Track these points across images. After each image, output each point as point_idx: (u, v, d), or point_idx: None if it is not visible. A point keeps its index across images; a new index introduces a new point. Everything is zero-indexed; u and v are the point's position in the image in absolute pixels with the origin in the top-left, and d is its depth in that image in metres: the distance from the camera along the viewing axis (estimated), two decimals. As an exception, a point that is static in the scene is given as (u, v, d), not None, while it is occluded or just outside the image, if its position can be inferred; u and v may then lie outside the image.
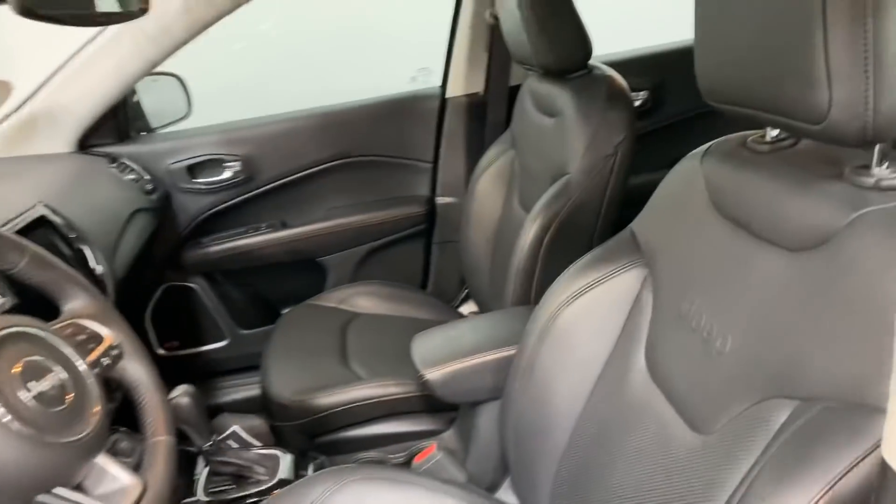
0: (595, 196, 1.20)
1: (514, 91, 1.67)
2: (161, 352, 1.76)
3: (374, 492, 0.99)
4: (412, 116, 1.78)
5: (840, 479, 0.50)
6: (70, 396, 0.66)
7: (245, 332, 1.80)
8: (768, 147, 0.73)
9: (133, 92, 1.71)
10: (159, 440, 0.77)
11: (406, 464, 1.21)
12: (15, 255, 0.74)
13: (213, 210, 1.71)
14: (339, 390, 1.27)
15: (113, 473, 0.68)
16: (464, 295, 1.85)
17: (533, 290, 1.21)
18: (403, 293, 1.70)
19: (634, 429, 0.81)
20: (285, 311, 1.82)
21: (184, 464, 1.11)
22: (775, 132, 0.73)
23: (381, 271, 1.82)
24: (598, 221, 1.21)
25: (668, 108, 1.83)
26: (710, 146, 0.82)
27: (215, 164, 1.68)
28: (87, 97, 1.51)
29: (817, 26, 0.53)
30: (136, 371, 0.81)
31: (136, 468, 0.72)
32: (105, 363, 0.76)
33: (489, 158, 1.57)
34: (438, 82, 1.79)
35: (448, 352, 1.08)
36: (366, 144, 1.78)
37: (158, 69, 1.69)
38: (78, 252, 1.15)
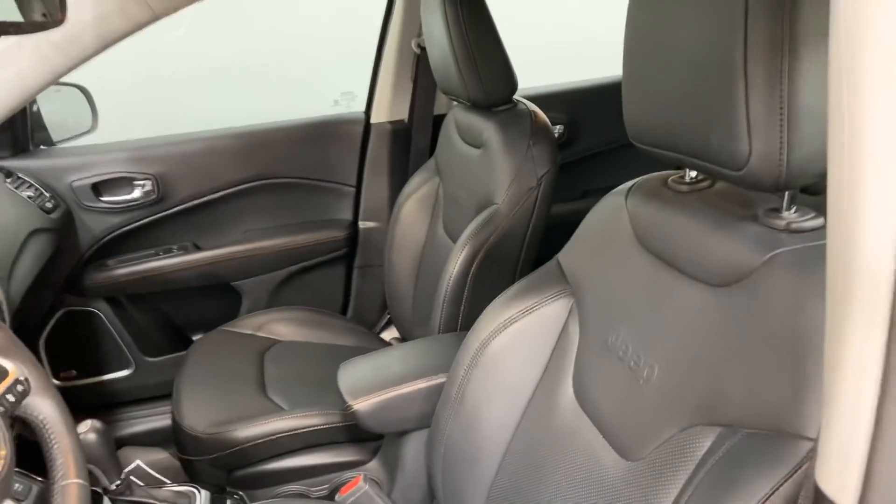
0: (520, 225, 1.23)
1: (438, 119, 1.70)
2: (56, 382, 1.63)
3: (298, 528, 0.96)
4: (335, 140, 1.76)
5: (764, 502, 0.54)
6: (-29, 438, 0.60)
7: (152, 359, 1.70)
8: (688, 188, 0.79)
9: (33, 101, 1.60)
10: (71, 483, 0.71)
11: (330, 496, 1.18)
12: None
13: (121, 230, 1.62)
14: (258, 422, 1.22)
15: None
16: (385, 320, 1.84)
17: (461, 316, 1.23)
18: (323, 319, 1.67)
19: (564, 456, 0.83)
20: (197, 337, 1.74)
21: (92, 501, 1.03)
22: (694, 173, 0.79)
23: (300, 296, 1.78)
24: (522, 250, 1.25)
25: (582, 141, 1.92)
26: (633, 184, 0.87)
27: (124, 182, 1.60)
28: (-20, 106, 1.40)
29: (740, 84, 0.58)
30: (45, 408, 0.74)
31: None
32: (11, 400, 0.70)
33: (414, 185, 1.58)
34: (362, 107, 1.79)
35: (377, 381, 1.07)
36: (287, 166, 1.75)
37: (63, 80, 1.60)
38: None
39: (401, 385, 1.06)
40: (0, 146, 1.49)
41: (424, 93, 1.71)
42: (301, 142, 1.75)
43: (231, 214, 1.73)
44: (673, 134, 0.70)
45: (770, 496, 0.53)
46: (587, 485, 0.77)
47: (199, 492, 1.14)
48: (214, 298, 1.75)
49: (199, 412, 1.26)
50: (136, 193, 1.60)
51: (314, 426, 1.22)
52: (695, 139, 0.66)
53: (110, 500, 1.05)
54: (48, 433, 0.73)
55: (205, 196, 1.68)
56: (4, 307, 1.08)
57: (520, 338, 0.93)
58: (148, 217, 1.63)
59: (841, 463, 0.39)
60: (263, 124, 1.75)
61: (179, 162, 1.65)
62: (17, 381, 0.72)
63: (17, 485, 0.76)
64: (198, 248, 1.69)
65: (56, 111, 1.65)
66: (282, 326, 1.61)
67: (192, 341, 1.75)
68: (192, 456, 1.23)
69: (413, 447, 1.10)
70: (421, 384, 1.06)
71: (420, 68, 1.69)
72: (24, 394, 0.73)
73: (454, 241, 1.35)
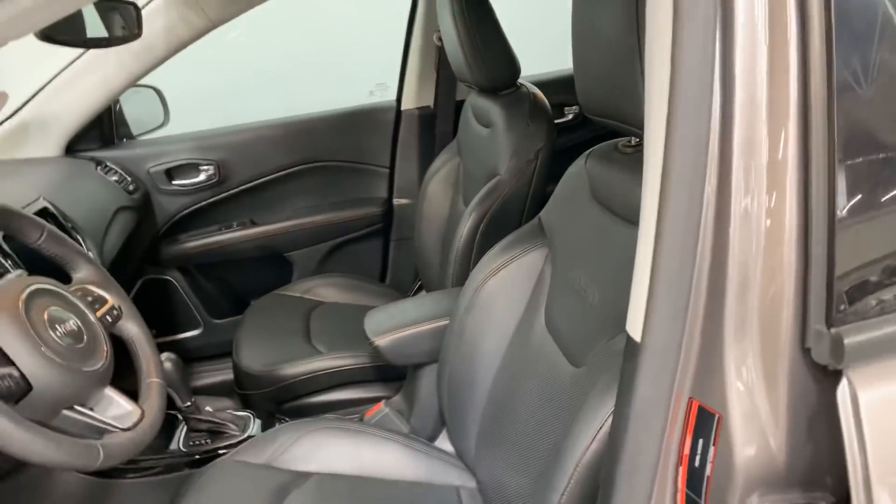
0: (520, 194, 1.42)
1: (460, 105, 1.89)
2: (139, 339, 1.92)
3: (329, 439, 1.18)
4: (370, 126, 1.98)
5: None
6: (86, 338, 0.84)
7: (217, 321, 1.97)
8: (632, 150, 0.96)
9: (117, 102, 1.88)
10: (153, 381, 0.95)
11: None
12: (35, 232, 0.93)
13: (189, 209, 1.89)
14: (302, 362, 1.46)
15: (119, 401, 0.87)
16: (417, 286, 2.06)
17: (469, 272, 1.42)
18: (363, 284, 1.89)
19: (534, 372, 1.02)
20: (254, 301, 1.99)
21: (166, 421, 1.29)
22: (636, 140, 0.96)
23: (344, 265, 2.02)
24: (522, 215, 1.43)
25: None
26: (593, 149, 1.05)
27: (191, 167, 1.86)
28: (74, 107, 1.68)
29: (636, 60, 0.75)
30: (133, 329, 0.99)
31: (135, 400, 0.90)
32: (109, 320, 0.95)
33: (438, 164, 1.78)
34: (394, 96, 2.00)
35: (394, 323, 1.29)
36: (329, 151, 1.98)
37: (140, 82, 1.87)
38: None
39: (414, 325, 1.27)
40: (91, 140, 1.77)
41: (446, 81, 1.91)
42: (340, 129, 1.98)
43: (282, 194, 1.98)
44: (607, 105, 0.87)
45: None
46: (548, 388, 0.96)
47: (253, 417, 1.39)
48: (269, 267, 2.00)
49: (254, 355, 1.51)
50: (202, 177, 1.86)
51: (346, 365, 1.45)
52: (620, 108, 0.83)
53: (183, 416, 1.32)
54: (136, 346, 0.98)
55: (259, 178, 1.93)
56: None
57: (507, 281, 1.13)
58: (212, 197, 1.90)
59: (634, 311, 0.58)
60: (307, 114, 1.99)
61: (236, 149, 1.90)
62: (112, 308, 0.97)
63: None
64: (254, 224, 1.94)
65: (135, 109, 1.93)
66: (327, 290, 1.84)
67: (249, 305, 2.01)
68: (249, 390, 1.48)
69: (426, 380, 1.31)
70: (431, 324, 1.27)
71: (441, 59, 1.88)
72: (118, 318, 0.97)
73: (470, 210, 1.54)
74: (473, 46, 1.44)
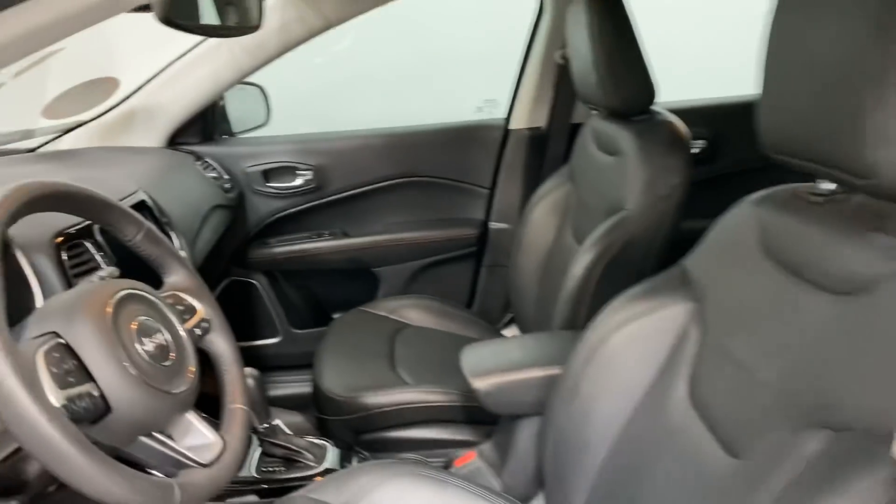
0: (648, 233, 1.26)
1: (573, 129, 1.75)
2: (218, 341, 1.87)
3: (415, 488, 1.05)
4: (475, 144, 1.87)
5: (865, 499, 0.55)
6: (172, 356, 0.75)
7: (297, 331, 1.89)
8: (823, 199, 0.79)
9: (220, 98, 1.85)
10: (237, 407, 0.85)
11: (444, 467, 1.27)
12: (133, 229, 0.84)
13: (282, 213, 1.83)
14: (387, 392, 1.34)
15: (200, 429, 0.77)
16: (507, 318, 1.92)
17: (581, 316, 1.27)
18: (450, 310, 1.77)
19: (671, 451, 0.86)
20: (336, 315, 1.91)
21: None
22: (830, 186, 0.79)
23: (431, 287, 1.90)
24: (648, 258, 1.27)
25: (723, 158, 1.88)
26: (764, 194, 0.88)
27: (288, 171, 1.80)
28: (182, 98, 1.65)
29: (871, 92, 0.59)
30: (222, 344, 0.90)
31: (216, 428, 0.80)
32: (198, 333, 0.86)
33: (546, 189, 1.64)
34: (502, 114, 1.88)
35: (496, 364, 1.15)
36: (429, 166, 1.88)
37: (245, 79, 1.83)
38: (166, 237, 1.26)
39: (519, 370, 1.13)
40: (193, 133, 1.74)
41: (563, 102, 1.77)
42: (443, 144, 1.87)
43: (376, 207, 1.89)
44: (808, 143, 0.71)
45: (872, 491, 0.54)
46: (691, 476, 0.80)
47: (331, 447, 1.28)
48: (356, 281, 1.91)
49: (336, 378, 1.40)
50: (298, 181, 1.79)
51: (435, 402, 1.32)
52: (829, 148, 0.68)
53: (259, 438, 1.22)
54: (223, 365, 0.88)
55: (355, 188, 1.85)
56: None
57: (638, 337, 0.97)
58: (306, 203, 1.83)
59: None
60: (411, 126, 1.90)
61: (336, 156, 1.83)
62: (203, 320, 0.88)
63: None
64: (346, 235, 1.86)
65: (237, 106, 1.90)
66: (413, 312, 1.73)
67: (331, 318, 1.92)
68: (329, 415, 1.37)
69: (525, 432, 1.16)
70: (537, 372, 1.12)
71: (561, 78, 1.75)
72: (207, 330, 0.88)
73: (581, 245, 1.39)
74: (610, 65, 1.30)
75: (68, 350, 0.64)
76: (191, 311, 0.87)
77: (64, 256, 0.93)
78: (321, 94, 2.45)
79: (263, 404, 1.21)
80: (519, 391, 1.12)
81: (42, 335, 0.64)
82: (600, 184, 1.42)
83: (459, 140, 1.87)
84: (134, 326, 0.72)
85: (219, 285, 1.83)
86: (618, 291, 1.08)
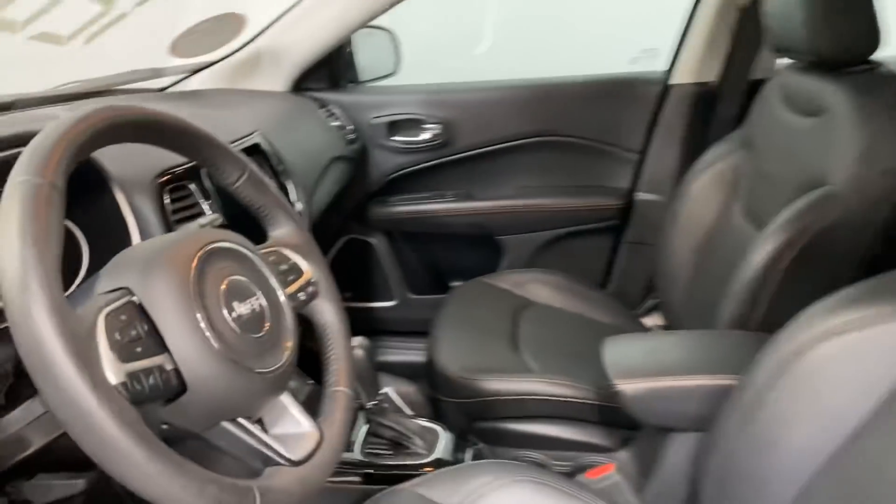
0: (860, 217, 0.98)
1: (752, 86, 1.46)
2: (332, 300, 1.79)
3: (539, 498, 0.89)
4: (626, 100, 1.62)
5: None
6: (267, 325, 0.62)
7: (414, 296, 1.77)
8: None
9: (348, 43, 1.73)
10: (340, 391, 0.71)
11: (571, 474, 1.09)
12: (236, 171, 0.72)
13: (405, 170, 1.69)
14: (509, 378, 1.17)
15: (294, 416, 0.64)
16: (648, 304, 1.68)
17: (756, 316, 1.03)
18: (582, 289, 1.57)
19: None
20: (455, 283, 1.77)
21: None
22: None
23: (561, 262, 1.70)
24: (858, 249, 1.00)
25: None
26: None
27: (414, 124, 1.65)
28: (309, 40, 1.54)
29: None
30: (328, 313, 0.76)
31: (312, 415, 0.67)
32: (301, 298, 0.72)
33: (712, 157, 1.38)
34: (663, 66, 1.61)
35: (650, 365, 0.94)
36: (569, 124, 1.66)
37: (374, 23, 1.69)
38: (282, 187, 1.15)
39: (679, 376, 0.91)
40: (319, 79, 1.63)
41: (743, 53, 1.48)
42: (588, 99, 1.64)
43: (506, 168, 1.71)
44: None
45: None
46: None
47: (443, 432, 1.13)
48: (477, 249, 1.75)
49: (453, 354, 1.25)
50: (424, 136, 1.64)
51: (564, 396, 1.13)
52: None
53: (366, 416, 1.10)
54: (327, 338, 0.75)
55: (485, 146, 1.67)
56: (306, 219, 1.17)
57: (853, 353, 0.73)
58: (430, 161, 1.68)
59: None
60: (552, 78, 1.68)
61: (466, 110, 1.65)
62: (309, 283, 0.74)
63: (293, 382, 0.80)
64: (470, 198, 1.69)
65: (365, 52, 1.77)
66: (539, 288, 1.55)
67: (450, 287, 1.78)
68: (442, 395, 1.23)
69: (678, 450, 0.95)
70: (703, 380, 0.90)
71: (742, 25, 1.45)
72: (313, 296, 0.75)
73: (758, 226, 1.14)
74: (825, 2, 1.01)
75: (140, 312, 0.52)
76: (295, 271, 0.74)
77: (167, 199, 0.83)
78: (454, 42, 2.27)
79: (373, 377, 1.09)
80: (677, 401, 0.91)
81: (112, 291, 0.53)
82: (791, 152, 1.14)
83: (608, 95, 1.63)
84: (223, 287, 0.59)
85: (336, 242, 1.74)
86: (810, 289, 0.84)
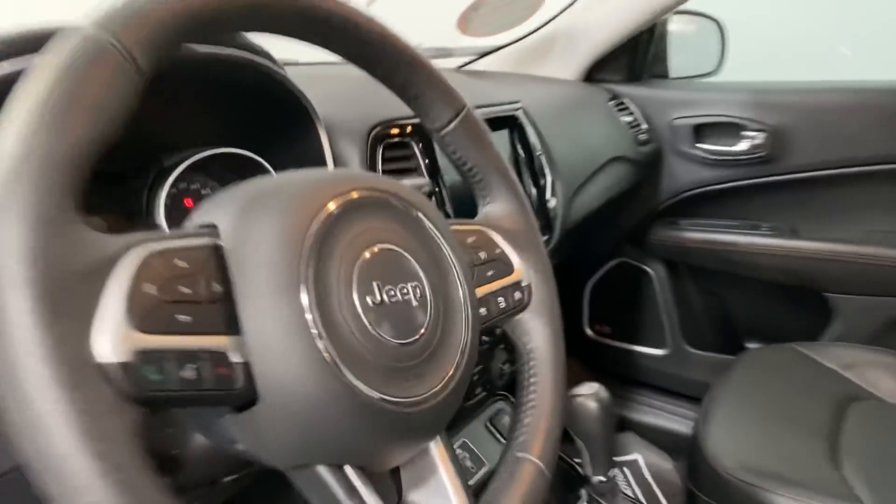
0: None
1: None
2: (589, 332, 1.51)
3: None
4: None
5: None
6: (423, 330, 0.38)
7: (691, 349, 1.41)
8: None
9: (664, 32, 1.44)
10: (527, 460, 0.45)
11: None
12: (448, 111, 0.51)
13: (708, 187, 1.34)
14: (818, 499, 0.77)
15: (444, 481, 0.40)
16: None
17: None
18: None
19: None
20: (751, 344, 1.36)
21: (559, 488, 0.81)
22: None
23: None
24: None
25: None
26: None
27: (731, 129, 1.29)
28: (608, 24, 1.31)
29: None
30: (539, 336, 0.51)
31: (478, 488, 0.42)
32: (502, 304, 0.48)
33: None
34: None
35: None
36: None
37: (698, 10, 1.39)
38: (535, 175, 0.94)
39: None
40: (616, 69, 1.38)
41: None
42: None
43: (854, 201, 1.25)
44: None
45: None
46: None
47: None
48: (792, 305, 1.32)
49: (730, 442, 0.89)
50: (742, 146, 1.27)
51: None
52: None
53: (588, 495, 0.80)
54: (529, 372, 0.50)
55: (826, 168, 1.23)
56: (558, 221, 0.94)
57: None
58: (745, 179, 1.30)
59: None
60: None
61: (805, 116, 1.24)
62: (517, 285, 0.50)
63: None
64: (795, 235, 1.27)
65: (681, 45, 1.47)
66: (882, 375, 1.07)
67: (741, 347, 1.37)
68: (703, 494, 0.87)
69: None
70: None
71: None
72: (520, 305, 0.50)
73: None
74: None
75: (219, 264, 0.33)
76: (500, 265, 0.50)
77: (379, 152, 0.67)
78: (800, 35, 1.81)
79: (606, 441, 0.79)
80: None
81: (192, 229, 0.35)
82: None
83: None
84: (366, 256, 0.37)
85: (605, 264, 1.46)
86: None
